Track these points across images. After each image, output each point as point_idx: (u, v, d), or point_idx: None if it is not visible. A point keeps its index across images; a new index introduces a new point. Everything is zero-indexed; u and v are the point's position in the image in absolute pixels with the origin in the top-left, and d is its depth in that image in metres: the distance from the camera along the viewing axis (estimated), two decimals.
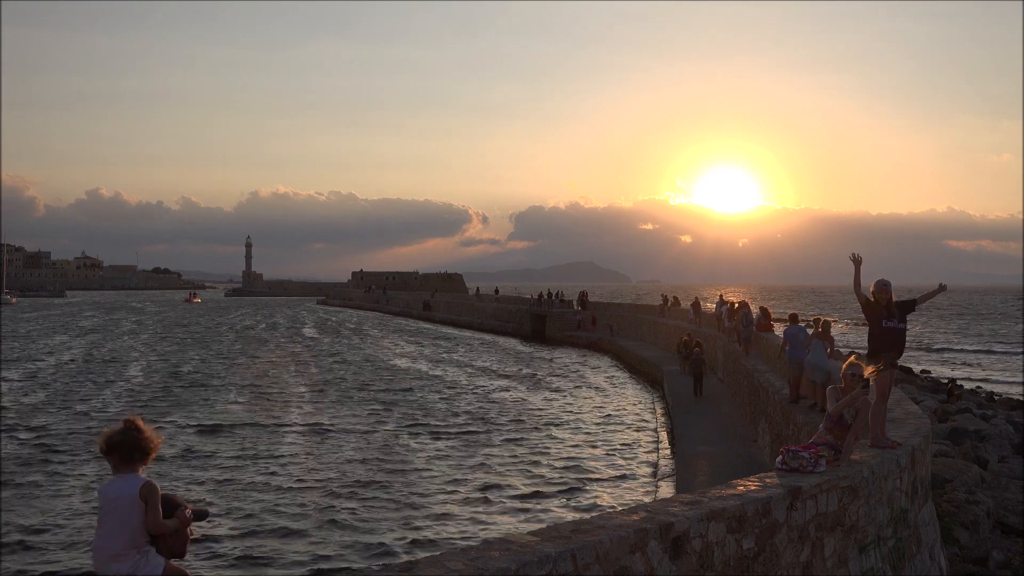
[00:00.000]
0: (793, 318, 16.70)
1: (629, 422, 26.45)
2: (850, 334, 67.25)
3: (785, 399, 15.76)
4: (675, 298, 51.68)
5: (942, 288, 10.05)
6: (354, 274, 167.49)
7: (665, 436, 23.51)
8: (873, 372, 8.63)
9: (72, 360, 45.64)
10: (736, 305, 28.74)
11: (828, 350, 14.45)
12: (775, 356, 18.86)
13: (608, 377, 38.77)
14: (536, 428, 25.30)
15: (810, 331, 15.35)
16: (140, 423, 4.46)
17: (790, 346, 15.70)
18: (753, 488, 6.31)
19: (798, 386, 15.60)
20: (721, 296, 38.01)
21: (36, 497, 16.98)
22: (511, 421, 26.49)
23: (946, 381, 38.62)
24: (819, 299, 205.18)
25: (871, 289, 9.29)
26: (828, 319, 16.13)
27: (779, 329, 21.66)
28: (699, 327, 37.17)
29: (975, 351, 64.01)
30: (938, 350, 64.19)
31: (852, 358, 8.15)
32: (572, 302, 69.26)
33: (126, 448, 4.39)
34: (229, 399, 30.97)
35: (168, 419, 26.41)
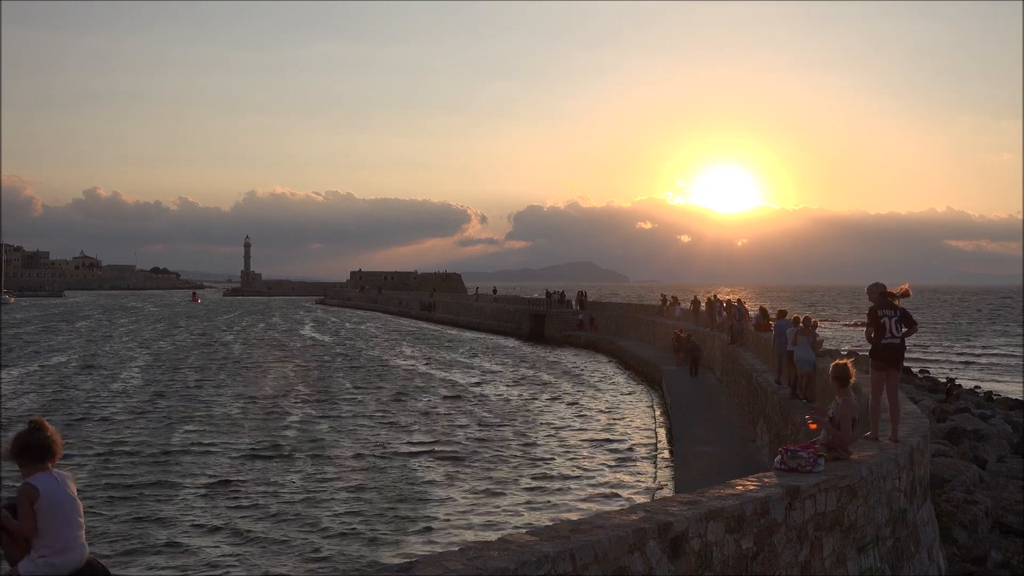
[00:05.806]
0: (781, 314, 19.14)
1: (628, 422, 26.45)
2: (852, 336, 67.27)
3: (776, 391, 17.24)
4: (674, 298, 51.62)
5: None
6: (352, 274, 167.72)
7: (664, 436, 23.54)
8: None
9: (64, 365, 45.59)
10: (729, 303, 30.54)
11: (811, 344, 16.20)
12: (771, 354, 19.68)
13: (607, 377, 38.76)
14: (534, 428, 25.30)
15: (798, 328, 16.87)
16: (45, 422, 4.54)
17: (777, 338, 17.86)
18: (752, 488, 6.31)
19: (781, 371, 17.96)
20: (714, 296, 38.88)
21: None
22: (510, 422, 26.49)
23: (945, 381, 38.67)
24: (817, 299, 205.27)
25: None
26: (813, 318, 17.44)
27: None
28: (697, 325, 37.58)
29: (974, 351, 63.98)
30: (936, 350, 64.18)
31: (838, 360, 8.09)
32: (571, 302, 69.23)
33: (44, 448, 4.43)
34: (227, 404, 30.95)
35: (163, 425, 26.40)
